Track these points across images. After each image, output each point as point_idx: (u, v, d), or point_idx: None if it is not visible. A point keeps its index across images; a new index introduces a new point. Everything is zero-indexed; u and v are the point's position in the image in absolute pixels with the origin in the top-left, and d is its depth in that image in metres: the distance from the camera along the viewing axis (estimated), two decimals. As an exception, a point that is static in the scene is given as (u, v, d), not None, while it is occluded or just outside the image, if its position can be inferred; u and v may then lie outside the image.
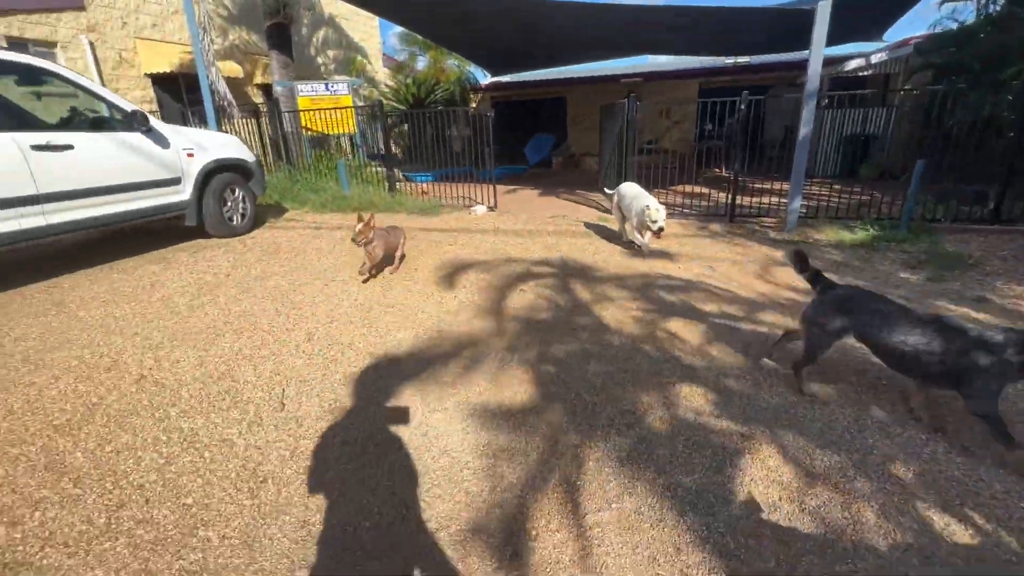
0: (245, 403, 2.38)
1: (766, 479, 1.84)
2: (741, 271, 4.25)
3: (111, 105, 4.42)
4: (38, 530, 1.66)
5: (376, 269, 4.10)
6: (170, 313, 3.44)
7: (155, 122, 4.66)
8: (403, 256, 4.34)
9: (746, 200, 6.37)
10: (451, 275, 4.17)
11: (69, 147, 3.97)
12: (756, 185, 7.41)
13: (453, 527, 1.65)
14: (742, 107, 5.73)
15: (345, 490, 1.82)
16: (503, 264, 4.46)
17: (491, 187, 7.09)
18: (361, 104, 9.72)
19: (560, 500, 1.77)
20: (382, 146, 8.22)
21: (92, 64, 8.48)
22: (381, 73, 15.43)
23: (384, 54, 16.12)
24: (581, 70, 14.18)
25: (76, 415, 2.28)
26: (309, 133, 8.51)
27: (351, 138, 9.16)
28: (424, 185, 8.40)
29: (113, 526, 1.68)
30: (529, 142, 14.23)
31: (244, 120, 8.50)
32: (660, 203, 4.51)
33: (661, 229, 4.37)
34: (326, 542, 1.60)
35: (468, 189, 7.41)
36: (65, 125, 4.41)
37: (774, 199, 6.29)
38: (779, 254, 4.75)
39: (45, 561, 1.55)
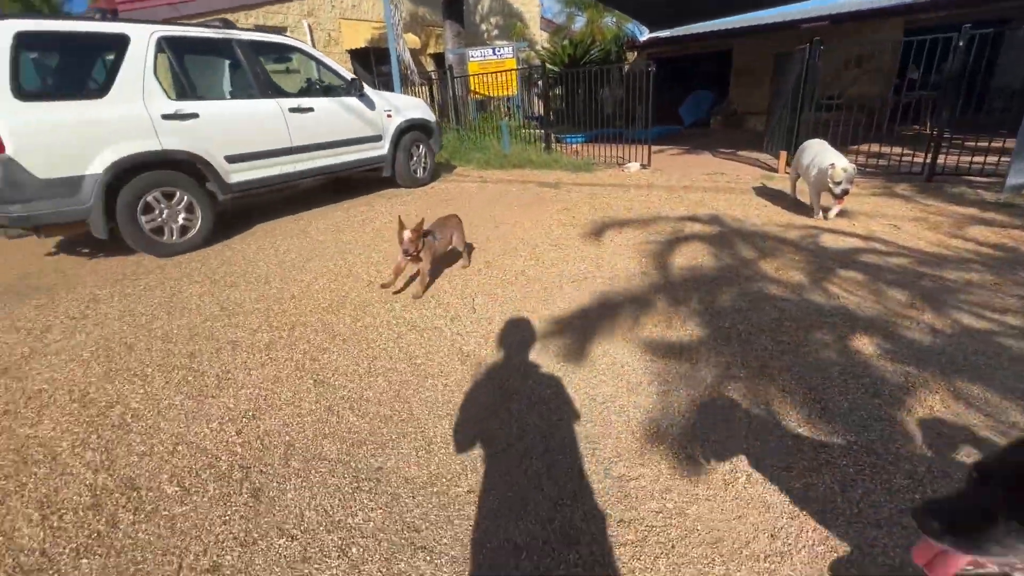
0: (446, 305, 3.02)
1: (929, 407, 1.87)
2: (934, 230, 3.83)
3: (337, 75, 5.47)
4: (328, 366, 2.44)
5: (430, 277, 3.28)
6: (381, 241, 4.31)
7: (366, 88, 5.63)
8: (468, 246, 3.63)
9: (952, 160, 5.48)
10: (607, 222, 4.46)
11: (311, 109, 5.06)
12: (972, 143, 6.25)
13: (617, 403, 2.03)
14: (960, 44, 4.89)
15: (530, 369, 2.31)
16: (656, 215, 4.61)
17: (644, 146, 7.10)
18: (522, 67, 10.19)
19: (712, 397, 2.03)
20: (539, 107, 8.64)
21: (310, 44, 10.21)
22: (538, 36, 15.78)
23: (542, 17, 16.40)
24: (752, 18, 12.90)
25: (334, 303, 3.14)
26: (475, 96, 9.29)
27: (509, 100, 9.76)
28: (576, 146, 8.68)
29: (372, 369, 2.39)
30: (685, 101, 13.51)
31: (421, 86, 9.57)
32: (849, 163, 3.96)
33: (845, 192, 3.87)
34: (520, 398, 2.10)
35: (620, 150, 7.50)
36: (305, 92, 5.59)
37: (992, 158, 5.31)
38: (987, 214, 4.12)
39: (336, 382, 2.30)
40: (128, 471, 1.82)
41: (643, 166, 7.06)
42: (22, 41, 3.42)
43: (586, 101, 7.84)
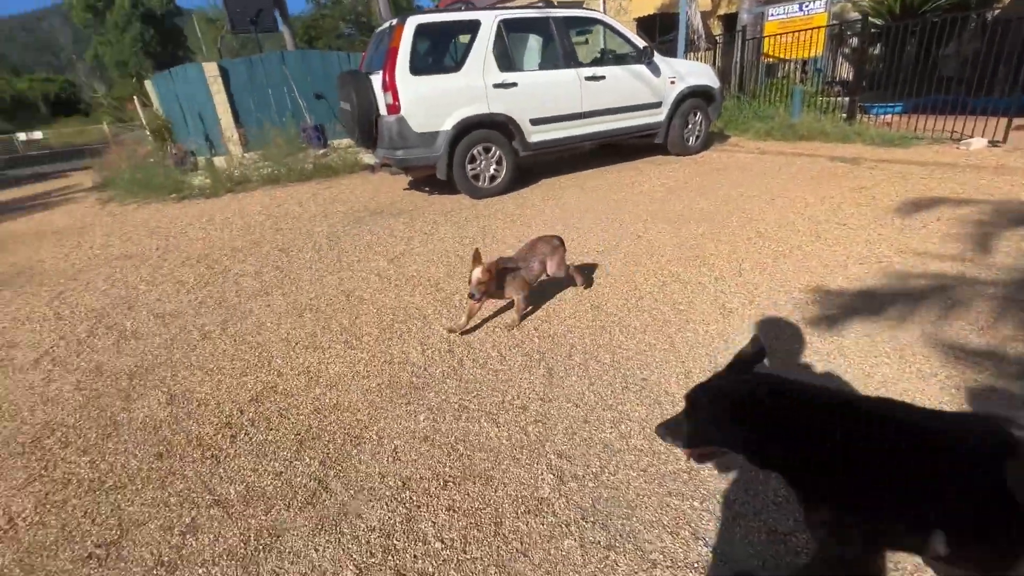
0: (710, 266, 3.15)
1: None
2: None
3: (631, 43, 5.80)
4: (601, 296, 2.89)
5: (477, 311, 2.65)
6: (648, 202, 4.60)
7: (656, 55, 5.82)
8: (580, 269, 2.91)
9: None
10: (920, 204, 3.77)
11: (603, 77, 5.55)
12: None
13: (899, 386, 1.91)
14: None
15: (797, 334, 2.32)
16: (1002, 201, 3.65)
17: (1000, 117, 5.44)
18: (832, 23, 8.77)
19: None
20: (847, 70, 7.38)
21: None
22: (861, -17, 13.07)
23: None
24: None
25: (606, 248, 3.59)
26: (767, 60, 8.48)
27: (804, 64, 8.57)
28: (888, 117, 7.17)
29: (639, 306, 2.74)
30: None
31: (707, 51, 9.20)
32: None
33: None
34: (782, 356, 2.16)
35: (957, 122, 5.91)
36: (599, 61, 6.11)
37: None
38: None
39: (608, 309, 2.73)
40: (467, 336, 2.60)
41: (993, 143, 5.47)
42: (418, 31, 4.73)
43: (917, 61, 6.37)
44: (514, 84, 5.08)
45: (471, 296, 2.41)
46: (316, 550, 1.47)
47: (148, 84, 9.45)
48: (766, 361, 1.21)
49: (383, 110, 4.85)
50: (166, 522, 1.63)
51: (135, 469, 1.89)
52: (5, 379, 2.63)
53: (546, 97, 5.30)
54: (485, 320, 2.74)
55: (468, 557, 1.40)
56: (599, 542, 1.40)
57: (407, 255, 3.84)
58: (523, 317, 2.70)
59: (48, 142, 21.47)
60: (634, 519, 1.47)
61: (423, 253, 3.85)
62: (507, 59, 5.34)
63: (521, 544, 1.43)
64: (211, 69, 8.35)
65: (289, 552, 1.48)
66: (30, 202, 8.95)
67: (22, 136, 19.82)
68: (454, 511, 1.56)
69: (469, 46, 4.98)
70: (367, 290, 3.29)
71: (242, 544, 1.52)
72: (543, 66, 5.82)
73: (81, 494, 1.80)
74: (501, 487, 1.63)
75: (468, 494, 1.62)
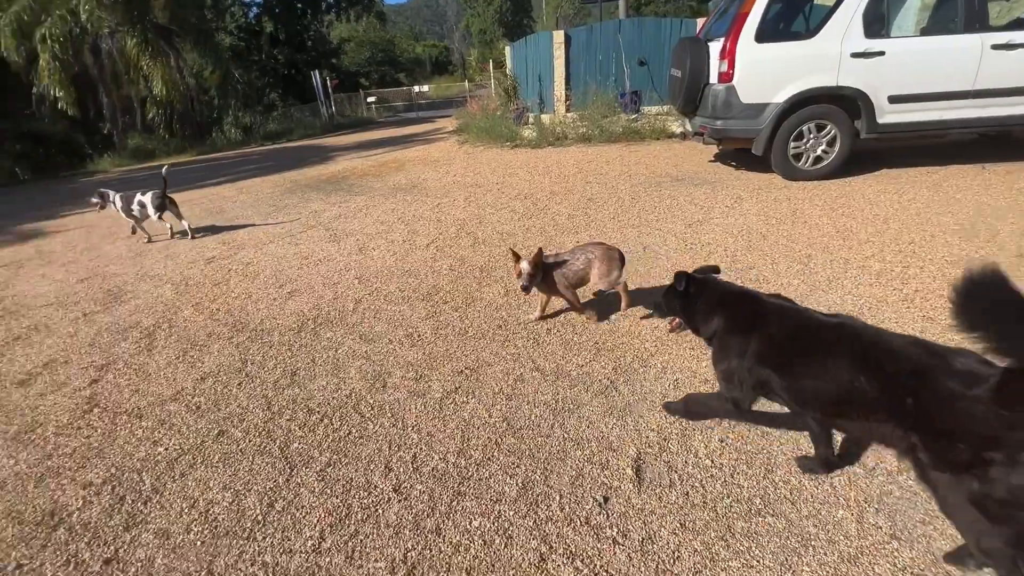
0: None
1: None
2: None
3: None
4: (939, 308, 2.46)
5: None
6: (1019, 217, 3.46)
7: None
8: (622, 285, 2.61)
9: None
10: None
11: (1021, 46, 4.21)
12: None
13: None
14: None
15: None
16: None
17: None
18: None
19: None
20: None
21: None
22: None
23: None
24: None
25: (955, 258, 2.94)
26: None
27: None
28: None
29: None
30: None
31: None
32: None
33: None
34: None
35: None
36: (1022, 23, 4.62)
37: None
38: None
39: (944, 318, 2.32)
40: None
41: None
42: (775, -6, 4.46)
43: None
44: (880, 53, 4.33)
45: (524, 289, 2.44)
46: (605, 426, 1.88)
47: (507, 49, 11.43)
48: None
49: (714, 78, 4.83)
50: (505, 369, 2.29)
51: (485, 330, 2.66)
52: (412, 253, 3.91)
53: (921, 70, 4.35)
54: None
55: (735, 483, 1.58)
56: (881, 527, 1.39)
57: (705, 223, 3.92)
58: (582, 311, 2.66)
59: (429, 94, 28.29)
60: (929, 526, 1.38)
61: (722, 224, 3.86)
62: (879, 23, 4.53)
63: (790, 494, 1.52)
64: (558, 37, 9.56)
65: (586, 419, 1.92)
66: (417, 137, 12.16)
67: (415, 88, 26.68)
68: (726, 445, 1.74)
69: (834, 7, 4.42)
70: (663, 247, 3.54)
71: (553, 401, 2.04)
72: (928, 31, 4.74)
73: (455, 335, 2.64)
74: (777, 444, 1.72)
75: (742, 436, 1.77)
